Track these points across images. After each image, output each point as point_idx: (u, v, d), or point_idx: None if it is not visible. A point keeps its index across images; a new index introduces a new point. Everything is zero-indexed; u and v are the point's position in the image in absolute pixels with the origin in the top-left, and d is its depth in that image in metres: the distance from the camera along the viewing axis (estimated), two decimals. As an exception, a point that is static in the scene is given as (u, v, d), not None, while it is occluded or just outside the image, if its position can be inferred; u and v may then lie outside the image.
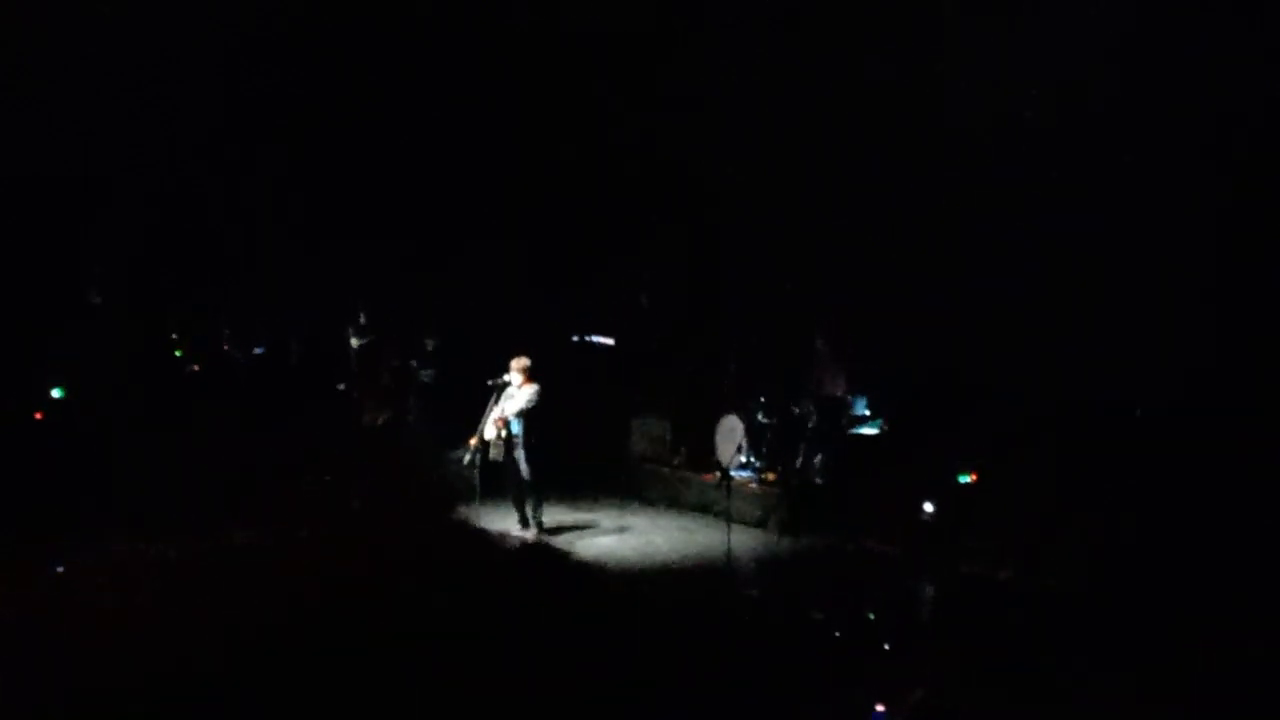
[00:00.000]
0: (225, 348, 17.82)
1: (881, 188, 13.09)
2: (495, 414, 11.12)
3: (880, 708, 6.98)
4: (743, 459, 12.52)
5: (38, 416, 14.56)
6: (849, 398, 12.71)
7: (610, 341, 16.30)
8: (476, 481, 12.00)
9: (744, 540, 11.12)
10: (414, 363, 16.27)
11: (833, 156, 13.38)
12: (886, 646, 8.11)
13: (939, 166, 12.61)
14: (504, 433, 11.13)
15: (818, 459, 12.23)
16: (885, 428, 12.49)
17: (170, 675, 7.34)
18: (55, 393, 14.94)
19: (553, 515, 11.72)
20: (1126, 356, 11.02)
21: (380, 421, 15.92)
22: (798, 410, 12.60)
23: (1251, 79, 10.49)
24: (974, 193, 12.28)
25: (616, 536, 11.63)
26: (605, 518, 12.42)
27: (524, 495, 11.34)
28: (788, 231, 13.98)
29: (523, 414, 11.07)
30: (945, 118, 12.48)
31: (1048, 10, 11.89)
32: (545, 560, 10.81)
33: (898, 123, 12.90)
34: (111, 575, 9.60)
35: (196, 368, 17.45)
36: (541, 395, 11.12)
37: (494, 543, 11.28)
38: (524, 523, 11.38)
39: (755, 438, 12.59)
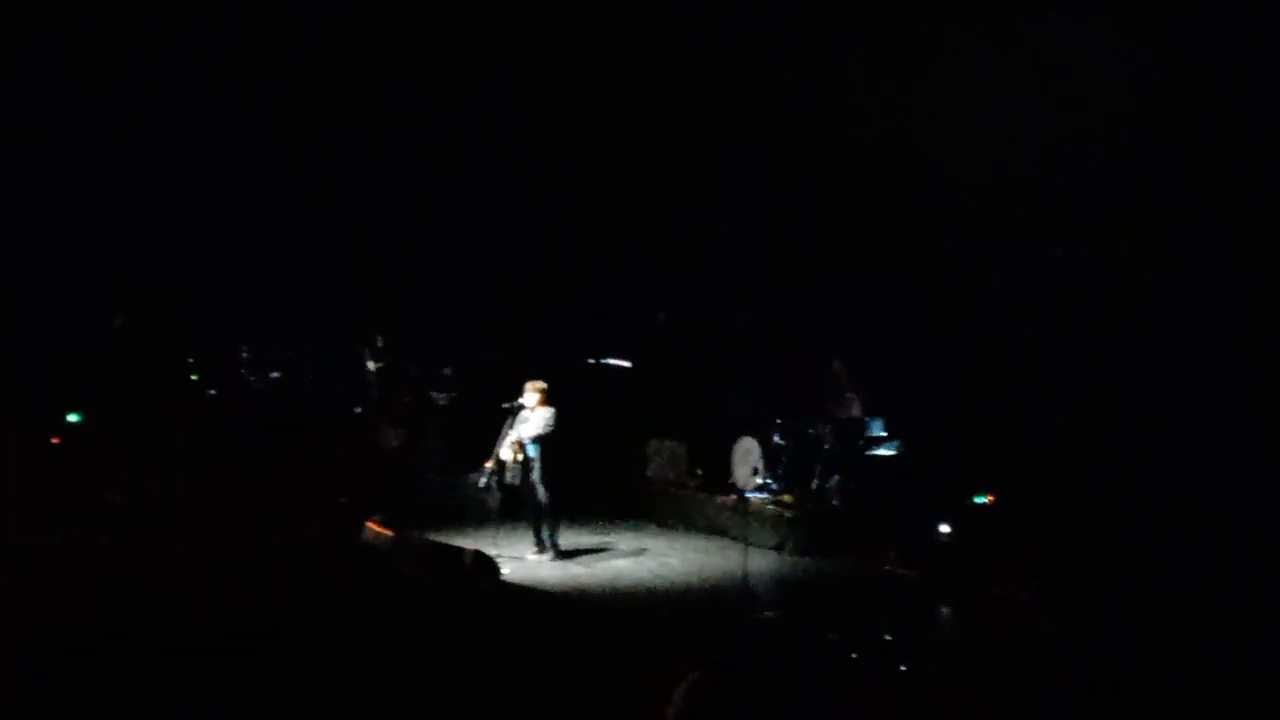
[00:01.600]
0: (242, 371, 17.89)
1: (893, 209, 13.13)
2: (511, 437, 11.12)
3: None
4: (759, 481, 12.46)
5: (55, 441, 14.61)
6: (865, 419, 12.66)
7: (626, 364, 16.31)
8: (494, 504, 12.00)
9: (761, 562, 11.07)
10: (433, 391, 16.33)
11: (847, 175, 13.44)
12: (903, 668, 8.05)
13: (947, 187, 12.67)
14: (520, 456, 11.12)
15: (834, 481, 12.19)
16: (902, 449, 12.44)
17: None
18: (72, 417, 14.99)
19: (569, 538, 11.68)
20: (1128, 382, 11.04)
21: (396, 444, 15.93)
22: (814, 432, 12.57)
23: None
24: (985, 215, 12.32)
25: (633, 559, 11.58)
26: (621, 540, 12.39)
27: (540, 518, 11.32)
28: (802, 251, 14.02)
29: (539, 438, 11.06)
30: (950, 135, 12.54)
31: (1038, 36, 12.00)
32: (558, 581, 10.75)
33: (909, 142, 12.97)
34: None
35: (214, 391, 17.52)
36: (557, 418, 11.11)
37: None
38: (540, 545, 11.34)
39: (772, 459, 12.55)
